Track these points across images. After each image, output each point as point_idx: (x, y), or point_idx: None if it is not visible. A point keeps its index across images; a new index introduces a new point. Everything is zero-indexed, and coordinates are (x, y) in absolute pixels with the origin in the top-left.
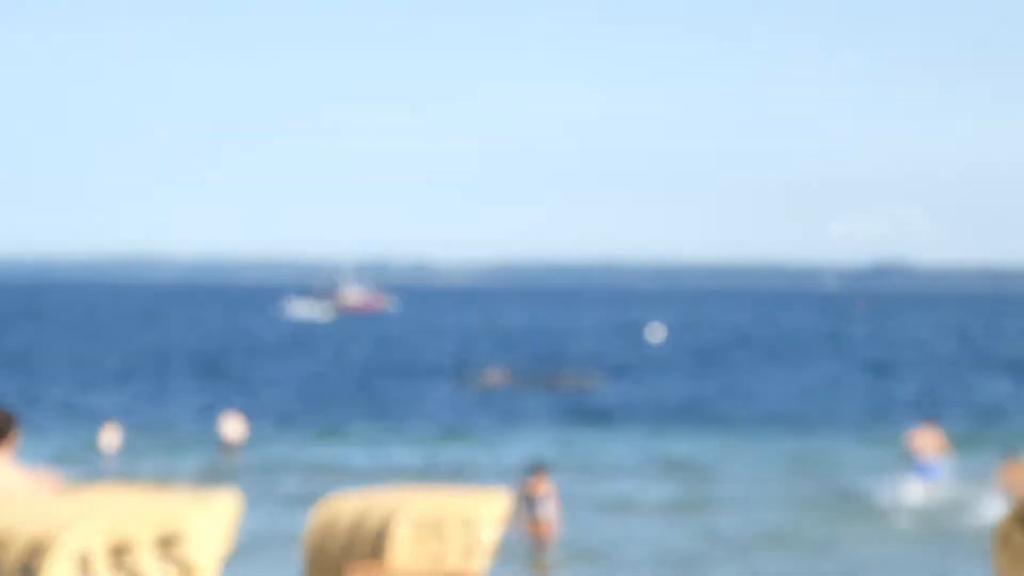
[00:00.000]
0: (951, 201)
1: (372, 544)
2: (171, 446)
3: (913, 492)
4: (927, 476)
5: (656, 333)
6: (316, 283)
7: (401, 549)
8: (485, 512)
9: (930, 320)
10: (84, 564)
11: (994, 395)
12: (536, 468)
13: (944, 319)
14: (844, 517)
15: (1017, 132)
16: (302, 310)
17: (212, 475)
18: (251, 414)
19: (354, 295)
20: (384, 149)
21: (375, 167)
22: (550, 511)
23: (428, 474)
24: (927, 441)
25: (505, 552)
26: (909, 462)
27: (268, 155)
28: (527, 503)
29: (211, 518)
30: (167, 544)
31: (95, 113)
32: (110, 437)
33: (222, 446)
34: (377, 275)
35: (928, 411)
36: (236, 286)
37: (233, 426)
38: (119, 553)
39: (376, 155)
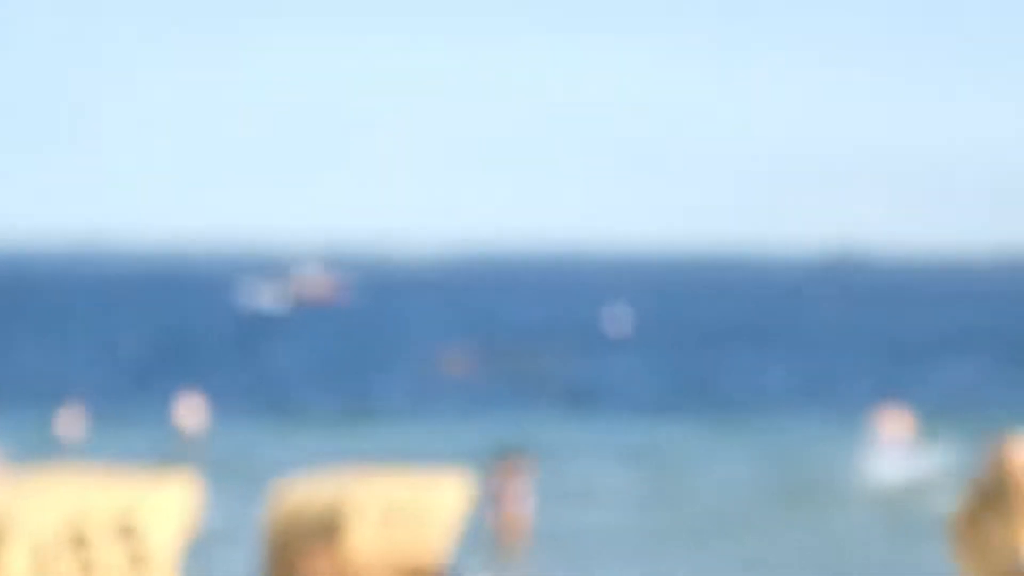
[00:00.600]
0: (914, 190)
1: (332, 529)
2: (127, 433)
3: (883, 472)
4: (896, 457)
5: (621, 320)
6: (274, 271)
7: (361, 533)
8: (446, 497)
9: (887, 307)
10: (41, 551)
11: (954, 379)
12: (507, 456)
13: (900, 306)
14: (812, 500)
15: (982, 119)
16: (258, 298)
17: (171, 462)
18: (207, 401)
19: (312, 283)
20: (348, 137)
21: (337, 153)
22: (520, 500)
23: (390, 460)
24: (895, 423)
25: (474, 540)
26: (877, 444)
27: (230, 142)
28: (497, 491)
29: (168, 504)
30: (124, 530)
31: (50, 99)
32: (69, 423)
33: (181, 433)
34: (339, 261)
35: (894, 394)
36: (195, 273)
37: (191, 412)
38: (76, 539)
39: (337, 141)
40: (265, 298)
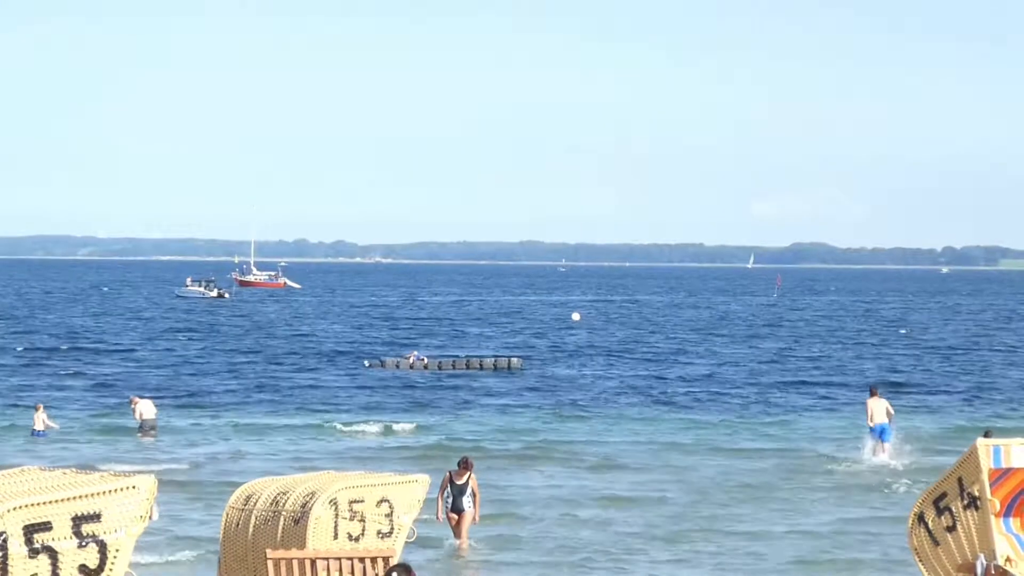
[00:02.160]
0: (871, 184)
1: (291, 527)
2: (73, 427)
3: (868, 453)
4: (879, 439)
5: (574, 317)
6: (215, 263)
7: (319, 532)
8: (402, 496)
9: (843, 298)
10: (1, 545)
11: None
12: (461, 460)
13: (858, 297)
14: (797, 475)
15: (936, 118)
16: (196, 290)
17: (127, 457)
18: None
19: (255, 275)
20: (307, 131)
21: (295, 148)
22: (469, 498)
23: (341, 457)
24: (877, 408)
25: (427, 537)
26: (864, 427)
27: (190, 136)
28: (449, 492)
29: (126, 500)
30: (83, 525)
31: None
32: (37, 419)
33: (139, 428)
34: (297, 254)
35: (876, 382)
36: (149, 266)
37: (146, 409)
38: (35, 533)
39: (298, 136)
40: (204, 289)
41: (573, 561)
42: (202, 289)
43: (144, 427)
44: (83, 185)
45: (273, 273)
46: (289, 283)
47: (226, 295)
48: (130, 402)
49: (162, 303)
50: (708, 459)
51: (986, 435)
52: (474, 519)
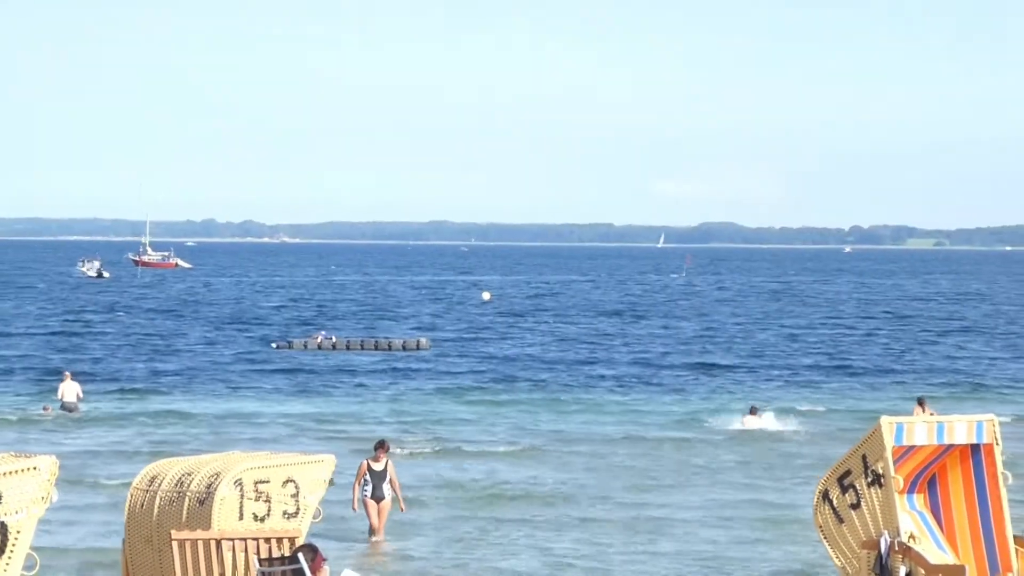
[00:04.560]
0: (781, 164)
1: (196, 508)
2: None
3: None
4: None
5: (483, 296)
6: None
7: (225, 512)
8: (308, 476)
9: (747, 276)
10: None
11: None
12: (378, 443)
13: (762, 275)
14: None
15: (848, 97)
16: (90, 269)
17: (34, 439)
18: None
19: (149, 256)
20: (215, 110)
21: (203, 126)
22: (388, 484)
23: (247, 438)
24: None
25: (344, 521)
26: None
27: (100, 113)
28: (368, 479)
29: (28, 481)
30: None
31: None
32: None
33: (61, 407)
34: (205, 234)
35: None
36: (52, 244)
37: (68, 391)
38: None
39: (205, 115)
40: (95, 268)
41: (488, 541)
42: (84, 269)
43: (65, 408)
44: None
45: (166, 253)
46: (180, 263)
47: (105, 275)
48: (62, 377)
49: (53, 284)
50: (617, 442)
51: (919, 403)
52: (401, 508)
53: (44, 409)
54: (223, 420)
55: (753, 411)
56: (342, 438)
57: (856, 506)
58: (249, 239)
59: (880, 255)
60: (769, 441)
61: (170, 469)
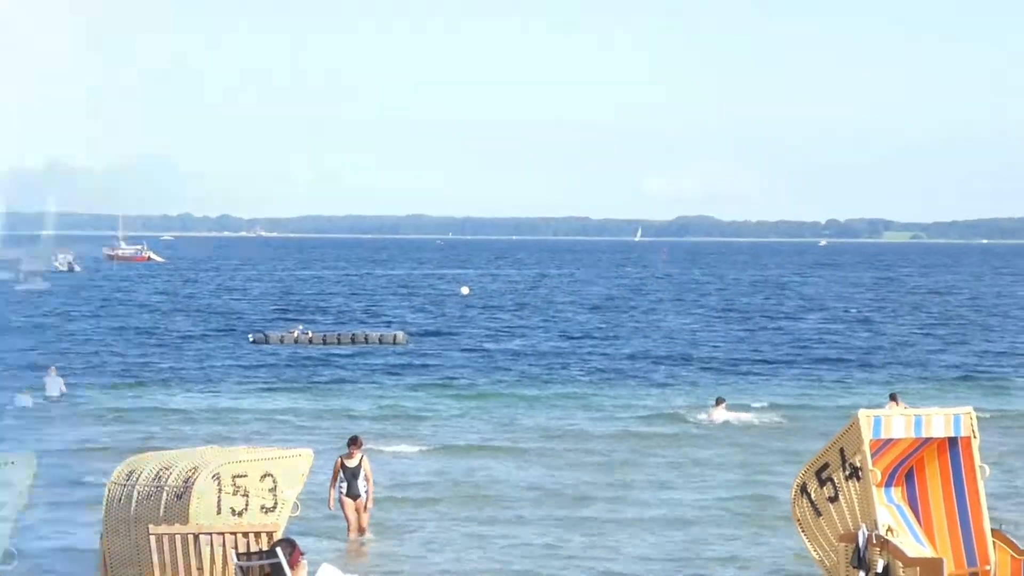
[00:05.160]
0: (758, 158)
1: (174, 502)
2: None
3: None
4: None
5: (463, 291)
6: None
7: (202, 506)
8: (286, 470)
9: (724, 270)
10: None
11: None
12: (351, 439)
13: (739, 269)
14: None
15: (827, 91)
16: (61, 263)
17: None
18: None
19: (122, 250)
20: (192, 105)
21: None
22: (363, 481)
23: (224, 434)
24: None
25: (322, 519)
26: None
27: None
28: (342, 476)
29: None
30: None
31: None
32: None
33: (49, 401)
34: (182, 228)
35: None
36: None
37: (50, 385)
38: None
39: (181, 108)
40: (60, 263)
41: (469, 538)
42: (56, 264)
43: (48, 401)
44: None
45: (139, 247)
46: (153, 256)
47: (76, 268)
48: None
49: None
50: (598, 438)
51: (892, 398)
52: (367, 505)
53: (22, 393)
54: (200, 414)
55: (719, 402)
56: (319, 432)
57: (834, 499)
58: (226, 233)
59: (851, 248)
60: (743, 435)
61: (148, 464)
